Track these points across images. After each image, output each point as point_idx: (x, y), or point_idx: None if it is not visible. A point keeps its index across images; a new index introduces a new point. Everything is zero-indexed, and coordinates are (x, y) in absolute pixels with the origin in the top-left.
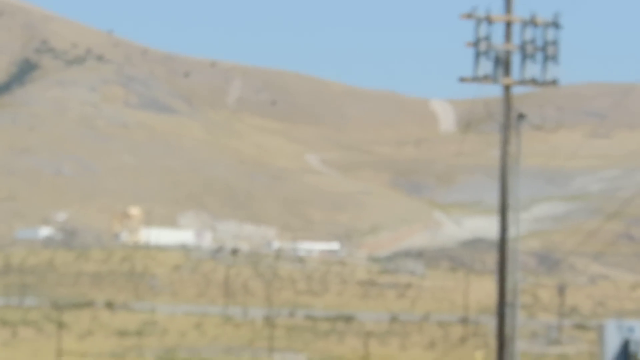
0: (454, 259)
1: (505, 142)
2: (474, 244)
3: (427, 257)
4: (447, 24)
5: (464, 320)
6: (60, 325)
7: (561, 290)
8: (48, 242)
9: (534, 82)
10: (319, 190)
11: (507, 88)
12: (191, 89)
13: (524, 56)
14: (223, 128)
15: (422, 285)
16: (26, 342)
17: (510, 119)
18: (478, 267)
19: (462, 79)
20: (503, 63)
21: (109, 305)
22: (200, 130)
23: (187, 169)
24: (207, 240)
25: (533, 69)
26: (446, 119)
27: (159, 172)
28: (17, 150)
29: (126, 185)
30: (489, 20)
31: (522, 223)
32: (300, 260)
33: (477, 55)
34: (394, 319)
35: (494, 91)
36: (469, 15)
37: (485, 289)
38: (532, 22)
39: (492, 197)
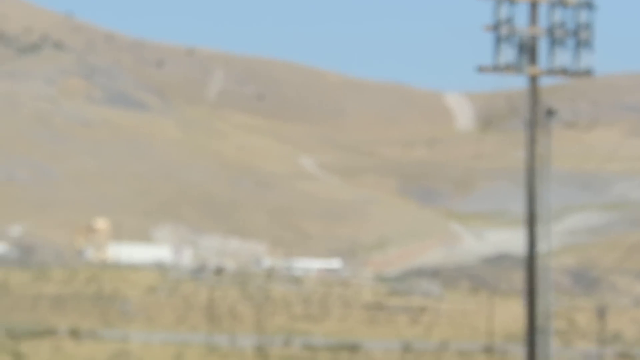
0: (475, 278)
1: (532, 142)
2: (498, 260)
3: (443, 276)
4: (462, 5)
5: (489, 349)
6: (17, 357)
7: (601, 313)
8: (1, 261)
9: (564, 72)
10: (315, 199)
11: (533, 79)
12: (164, 81)
13: (553, 42)
14: (202, 126)
15: (438, 309)
16: None
17: (537, 115)
18: (503, 287)
19: (481, 69)
20: (528, 50)
21: (74, 333)
22: (176, 129)
23: (161, 175)
24: (187, 258)
25: (563, 57)
26: (463, 115)
27: (128, 178)
28: None
29: (90, 193)
30: (512, 0)
31: (553, 236)
32: (296, 280)
33: (498, 40)
34: (406, 348)
35: (518, 83)
36: None
37: (512, 313)
38: (561, 3)
39: (518, 206)
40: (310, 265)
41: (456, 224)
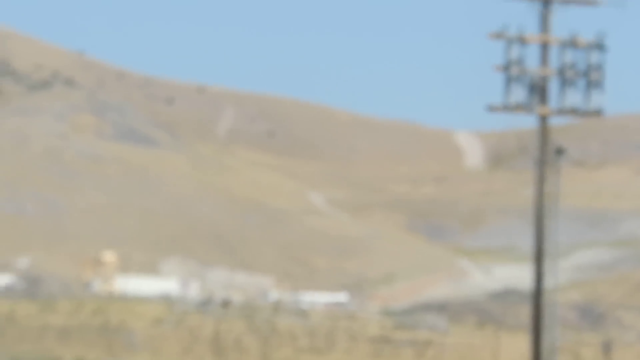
0: (482, 312)
1: (541, 180)
2: (505, 296)
3: (450, 310)
4: (473, 45)
5: None
6: None
7: (607, 348)
8: (8, 292)
9: (574, 112)
10: (324, 234)
11: (543, 119)
12: (174, 118)
13: (563, 82)
14: (212, 163)
15: (444, 343)
16: None
17: (547, 154)
18: (510, 322)
19: (491, 108)
20: (539, 90)
21: None
22: (185, 165)
23: (170, 209)
24: (194, 291)
25: (574, 97)
26: (472, 153)
27: (137, 213)
28: None
29: (98, 227)
30: (522, 41)
31: (561, 272)
32: (302, 313)
33: (509, 80)
34: None
35: (528, 122)
36: (499, 35)
37: (518, 348)
38: (572, 44)
39: (526, 243)
40: (317, 298)
41: (464, 260)
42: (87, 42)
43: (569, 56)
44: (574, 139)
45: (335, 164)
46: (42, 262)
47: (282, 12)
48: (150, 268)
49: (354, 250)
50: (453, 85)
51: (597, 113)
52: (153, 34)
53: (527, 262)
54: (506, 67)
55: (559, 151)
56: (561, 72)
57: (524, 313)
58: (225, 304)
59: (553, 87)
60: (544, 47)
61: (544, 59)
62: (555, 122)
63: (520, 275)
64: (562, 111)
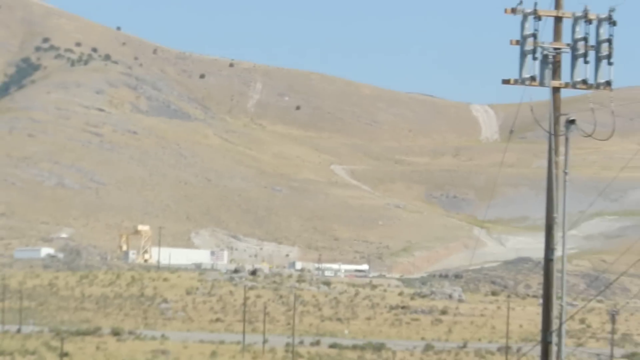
0: (496, 281)
1: (552, 151)
2: (518, 264)
3: (466, 279)
4: (490, 21)
5: (506, 350)
6: (62, 355)
7: (613, 315)
8: (49, 263)
9: (585, 84)
10: (346, 205)
11: (555, 91)
12: (207, 92)
13: (575, 56)
14: (241, 136)
15: (460, 311)
16: None
17: (558, 125)
18: (522, 290)
19: (505, 81)
20: (551, 63)
21: (116, 333)
22: (217, 138)
23: (202, 181)
24: (224, 261)
25: (584, 70)
26: (489, 125)
27: (171, 185)
28: (14, 160)
29: (135, 199)
30: (537, 16)
31: (571, 241)
32: (326, 282)
33: (523, 55)
34: (428, 347)
35: (541, 95)
36: (514, 10)
37: (529, 315)
38: (583, 18)
39: (539, 213)
40: (339, 268)
41: (479, 230)
42: (124, 20)
43: (581, 31)
44: (584, 111)
45: (358, 136)
46: (81, 234)
47: None
48: (183, 239)
49: (375, 221)
50: (470, 59)
51: (607, 85)
52: (187, 11)
53: (539, 232)
54: (521, 42)
55: (570, 122)
56: (573, 46)
57: (535, 281)
58: (254, 273)
59: (564, 61)
60: (558, 21)
61: (557, 33)
62: (566, 94)
63: (533, 245)
64: (573, 83)
